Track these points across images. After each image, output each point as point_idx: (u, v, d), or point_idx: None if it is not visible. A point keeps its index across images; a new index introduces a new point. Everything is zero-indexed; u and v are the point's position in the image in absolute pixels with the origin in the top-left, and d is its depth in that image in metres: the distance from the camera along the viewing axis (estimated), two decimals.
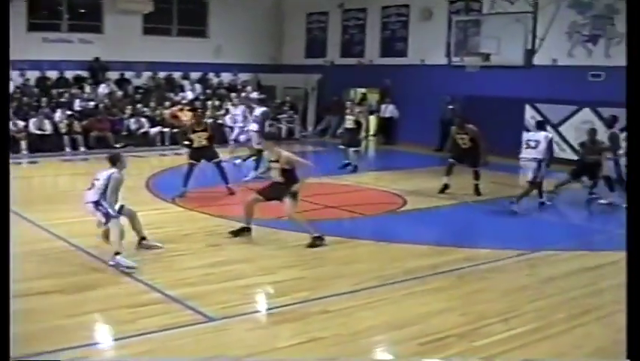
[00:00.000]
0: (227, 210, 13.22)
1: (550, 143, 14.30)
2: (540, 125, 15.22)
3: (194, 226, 12.15)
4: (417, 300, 8.45)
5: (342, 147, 19.58)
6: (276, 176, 11.12)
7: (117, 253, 9.30)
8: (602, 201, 14.86)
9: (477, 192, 15.49)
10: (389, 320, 7.72)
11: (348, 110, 19.67)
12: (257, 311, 8.25)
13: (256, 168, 17.37)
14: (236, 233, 11.18)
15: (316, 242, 10.76)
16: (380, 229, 12.90)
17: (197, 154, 14.91)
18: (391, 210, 14.18)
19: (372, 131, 28.57)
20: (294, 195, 10.84)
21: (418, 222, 13.51)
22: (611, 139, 15.55)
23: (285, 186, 10.89)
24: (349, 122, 19.29)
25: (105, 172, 9.80)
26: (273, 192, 11.12)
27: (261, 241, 11.18)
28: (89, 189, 9.71)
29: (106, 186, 9.60)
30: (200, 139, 14.96)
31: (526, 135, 15.33)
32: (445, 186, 15.56)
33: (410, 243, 11.30)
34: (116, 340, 7.06)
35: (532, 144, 14.26)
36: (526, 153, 14.46)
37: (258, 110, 18.73)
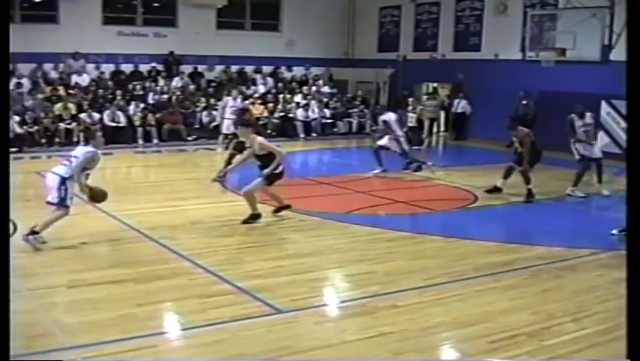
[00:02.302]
0: (299, 204, 13.25)
1: None
2: None
3: (264, 218, 12.21)
4: (487, 297, 8.35)
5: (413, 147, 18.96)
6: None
7: (35, 233, 9.48)
8: None
9: (529, 195, 14.49)
10: (458, 316, 7.65)
11: (410, 108, 18.96)
12: (326, 305, 8.26)
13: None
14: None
15: (250, 219, 11.47)
16: (450, 224, 12.79)
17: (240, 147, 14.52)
18: (462, 207, 14.04)
19: (443, 127, 28.37)
20: (266, 177, 11.50)
21: (488, 218, 13.36)
22: None
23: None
24: (411, 121, 18.63)
25: (82, 149, 10.23)
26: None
27: (332, 234, 11.20)
28: (64, 164, 9.91)
29: (78, 167, 9.89)
30: None
31: None
32: (496, 189, 14.92)
33: (481, 240, 11.14)
34: (185, 329, 7.14)
35: None
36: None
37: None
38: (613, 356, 6.71)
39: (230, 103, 21.23)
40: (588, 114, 15.64)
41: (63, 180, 9.70)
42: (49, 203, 9.77)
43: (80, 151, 10.10)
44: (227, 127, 20.41)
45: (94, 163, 10.07)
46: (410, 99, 20.65)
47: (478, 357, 6.63)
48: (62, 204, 9.68)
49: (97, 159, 10.10)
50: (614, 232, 10.79)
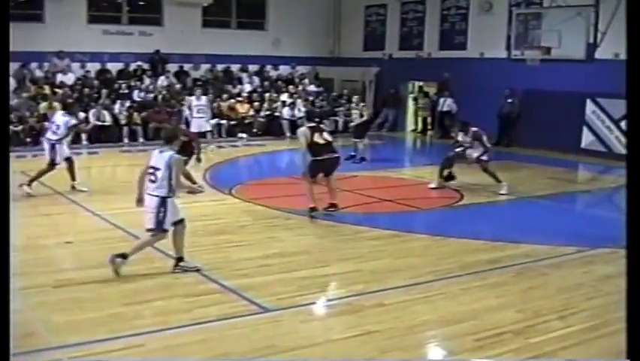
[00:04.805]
0: (284, 202, 13.27)
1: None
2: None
3: (250, 217, 12.22)
4: (473, 295, 8.38)
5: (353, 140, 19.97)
6: None
7: (123, 257, 8.56)
8: None
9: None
10: (444, 314, 7.67)
11: (353, 105, 19.81)
12: (312, 303, 8.25)
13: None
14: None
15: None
16: (436, 223, 12.84)
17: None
18: (448, 205, 14.07)
19: (429, 125, 28.46)
20: None
21: (474, 217, 13.38)
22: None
23: None
24: (355, 116, 19.60)
25: (160, 156, 8.66)
26: None
27: (318, 233, 11.21)
28: (152, 181, 8.67)
29: (170, 175, 8.55)
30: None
31: None
32: None
33: (466, 238, 11.14)
34: (171, 328, 7.12)
35: None
36: None
37: None
38: (599, 353, 6.75)
39: (195, 102, 21.13)
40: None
41: (163, 201, 8.62)
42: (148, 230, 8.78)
43: (162, 158, 8.59)
44: (197, 126, 20.22)
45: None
46: (355, 97, 21.23)
47: (464, 355, 6.65)
48: (160, 228, 8.67)
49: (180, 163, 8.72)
50: None
